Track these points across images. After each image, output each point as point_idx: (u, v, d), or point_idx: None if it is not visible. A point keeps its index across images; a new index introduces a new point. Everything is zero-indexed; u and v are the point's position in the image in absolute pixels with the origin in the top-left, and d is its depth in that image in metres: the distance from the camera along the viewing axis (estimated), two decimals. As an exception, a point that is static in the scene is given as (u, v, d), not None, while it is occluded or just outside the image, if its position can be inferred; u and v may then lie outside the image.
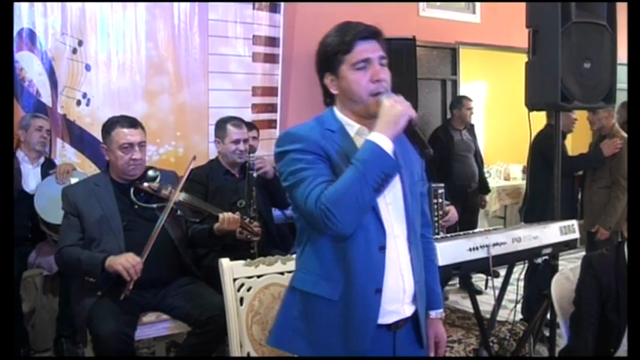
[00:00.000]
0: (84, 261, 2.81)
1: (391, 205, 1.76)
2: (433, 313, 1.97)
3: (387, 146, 1.62)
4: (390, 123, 1.64)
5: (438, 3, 6.27)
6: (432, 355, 1.98)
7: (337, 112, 1.79)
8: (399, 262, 1.76)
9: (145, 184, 2.98)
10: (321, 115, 1.81)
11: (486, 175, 6.06)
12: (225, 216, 3.00)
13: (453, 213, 3.39)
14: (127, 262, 2.73)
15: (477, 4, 6.45)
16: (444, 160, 5.40)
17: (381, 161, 1.61)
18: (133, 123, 2.99)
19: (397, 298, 1.77)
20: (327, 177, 1.65)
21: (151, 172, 3.04)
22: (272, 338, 1.88)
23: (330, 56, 1.73)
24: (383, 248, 1.72)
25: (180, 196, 3.00)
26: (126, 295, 2.77)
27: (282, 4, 5.05)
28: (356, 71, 1.71)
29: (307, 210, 1.63)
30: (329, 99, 1.82)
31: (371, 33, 1.73)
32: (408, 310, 1.81)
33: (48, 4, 4.05)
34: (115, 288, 2.82)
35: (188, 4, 4.61)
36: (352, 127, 1.77)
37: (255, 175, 3.53)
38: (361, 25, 1.74)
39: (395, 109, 1.65)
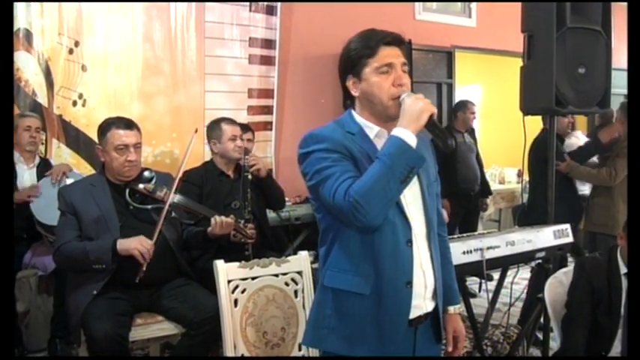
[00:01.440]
0: (91, 250, 2.81)
1: (411, 204, 1.81)
2: (451, 309, 2.02)
3: (412, 140, 1.67)
4: (413, 119, 1.69)
5: (435, 6, 6.29)
6: (450, 349, 2.02)
7: (356, 115, 1.84)
8: (420, 259, 1.82)
9: (141, 186, 2.98)
10: (340, 118, 1.86)
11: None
12: (218, 220, 3.00)
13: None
14: (141, 246, 2.76)
15: (473, 8, 6.47)
16: (449, 162, 5.42)
17: (406, 154, 1.66)
18: (128, 124, 2.99)
19: (420, 293, 1.82)
20: (352, 173, 1.70)
21: (146, 174, 3.04)
22: (307, 338, 1.91)
23: (354, 59, 1.79)
24: (410, 242, 1.78)
25: (175, 198, 3.00)
26: (140, 278, 2.79)
27: (279, 6, 5.06)
28: (379, 75, 1.76)
29: (336, 204, 1.67)
30: (349, 101, 1.87)
31: (394, 40, 1.80)
32: (429, 306, 1.86)
33: (44, 4, 4.05)
34: (109, 287, 2.83)
35: (185, 5, 4.61)
36: (371, 129, 1.81)
37: (249, 176, 3.53)
38: (385, 31, 1.81)
39: (417, 105, 1.70)
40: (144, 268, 2.79)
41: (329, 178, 1.69)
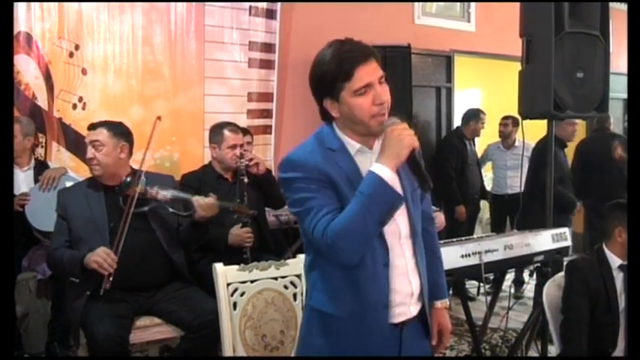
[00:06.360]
0: (66, 262, 2.86)
1: (398, 215, 1.79)
2: (438, 303, 2.03)
3: (391, 179, 1.64)
4: (394, 155, 1.65)
5: (434, 10, 6.30)
6: (434, 343, 2.01)
7: (337, 130, 1.79)
8: (407, 269, 1.82)
9: (131, 190, 2.95)
10: (320, 131, 1.81)
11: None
12: (199, 201, 2.99)
13: (440, 219, 3.41)
14: (99, 258, 2.76)
15: (472, 13, 6.49)
16: (460, 167, 5.51)
17: (385, 195, 1.63)
18: (96, 125, 3.06)
19: (405, 301, 1.82)
20: (332, 206, 1.67)
21: (129, 180, 2.98)
22: (298, 351, 1.95)
23: (329, 83, 1.70)
24: (386, 265, 1.77)
25: (168, 193, 3.00)
26: (105, 289, 2.79)
27: (279, 10, 5.07)
28: (358, 97, 1.69)
29: (314, 240, 1.68)
30: (327, 116, 1.81)
31: (367, 56, 1.70)
32: (414, 310, 1.86)
33: (45, 8, 4.06)
34: (109, 289, 2.83)
35: (185, 9, 4.62)
36: (353, 146, 1.77)
37: (245, 179, 3.53)
38: (355, 47, 1.71)
39: (399, 141, 1.65)
40: (110, 279, 2.79)
41: (308, 212, 1.67)
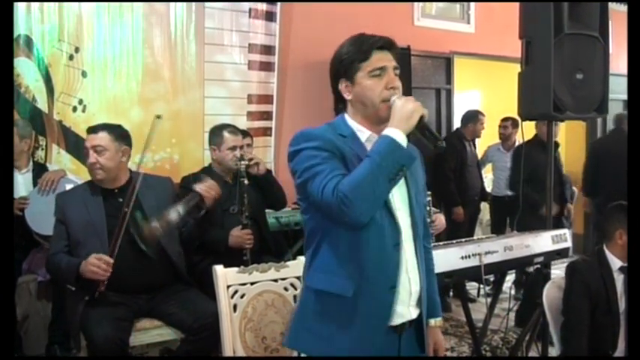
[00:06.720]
0: (63, 269, 2.86)
1: (399, 210, 1.82)
2: (432, 321, 2.03)
3: (401, 139, 1.69)
4: (403, 119, 1.71)
5: (434, 12, 6.31)
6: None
7: (348, 118, 1.86)
8: (407, 265, 1.82)
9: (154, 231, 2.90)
10: (332, 121, 1.88)
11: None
12: (202, 187, 3.02)
13: (440, 221, 3.42)
14: (92, 267, 2.74)
15: (472, 14, 6.50)
16: (459, 168, 5.52)
17: (396, 153, 1.68)
18: (94, 128, 3.05)
19: (404, 300, 1.82)
20: (342, 171, 1.71)
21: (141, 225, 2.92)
22: (289, 339, 1.92)
23: (347, 63, 1.82)
24: (398, 245, 1.78)
25: (180, 208, 2.96)
26: (100, 292, 2.80)
27: (278, 12, 5.08)
28: (372, 78, 1.79)
29: (324, 201, 1.67)
30: (341, 105, 1.89)
31: (386, 44, 1.84)
32: (413, 313, 1.87)
33: (45, 10, 4.06)
34: (109, 292, 2.85)
35: (185, 11, 4.63)
36: (363, 133, 1.84)
37: (245, 181, 3.53)
38: (377, 36, 1.84)
39: (407, 106, 1.73)
40: (105, 282, 2.79)
41: (318, 174, 1.70)
